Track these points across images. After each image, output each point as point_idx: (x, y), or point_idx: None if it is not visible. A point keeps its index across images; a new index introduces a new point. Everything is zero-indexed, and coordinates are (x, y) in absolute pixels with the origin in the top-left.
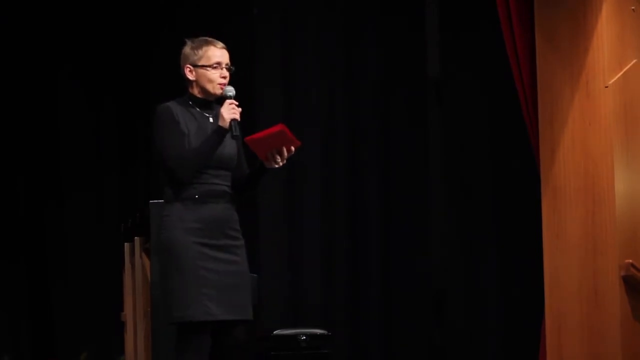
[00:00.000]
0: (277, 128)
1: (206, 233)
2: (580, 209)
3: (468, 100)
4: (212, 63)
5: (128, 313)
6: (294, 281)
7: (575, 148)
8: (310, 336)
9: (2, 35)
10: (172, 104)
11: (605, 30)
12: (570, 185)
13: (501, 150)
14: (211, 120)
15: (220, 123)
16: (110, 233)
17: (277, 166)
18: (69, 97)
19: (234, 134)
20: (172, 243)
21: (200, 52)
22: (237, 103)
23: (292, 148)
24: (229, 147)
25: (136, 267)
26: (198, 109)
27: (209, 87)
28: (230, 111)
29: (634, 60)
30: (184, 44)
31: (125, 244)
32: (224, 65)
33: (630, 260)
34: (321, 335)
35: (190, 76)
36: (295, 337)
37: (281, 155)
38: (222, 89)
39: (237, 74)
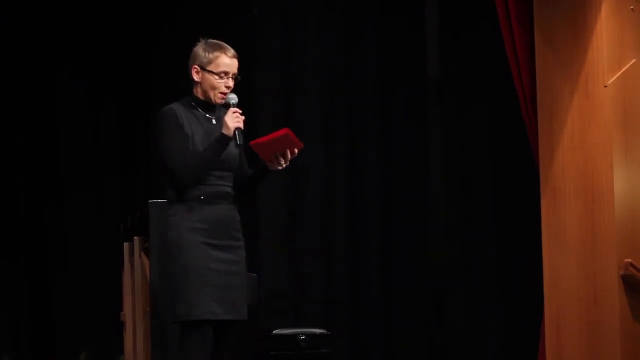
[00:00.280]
0: (282, 132)
1: (211, 233)
2: (580, 208)
3: (468, 100)
4: (219, 71)
5: (127, 313)
6: (294, 281)
7: (575, 148)
8: (310, 336)
9: (2, 35)
10: (175, 105)
11: (605, 30)
12: (570, 185)
13: (501, 150)
14: (214, 122)
15: (224, 131)
16: (110, 233)
17: (280, 168)
18: (69, 97)
19: (238, 143)
20: (178, 242)
21: (211, 56)
22: (240, 111)
23: (296, 150)
24: (232, 148)
25: (135, 267)
26: (201, 111)
27: (211, 93)
28: (234, 120)
29: (633, 60)
30: (197, 41)
31: (125, 243)
32: (230, 75)
33: (629, 260)
34: (321, 335)
35: (196, 77)
36: (294, 336)
37: (285, 157)
38: (222, 98)
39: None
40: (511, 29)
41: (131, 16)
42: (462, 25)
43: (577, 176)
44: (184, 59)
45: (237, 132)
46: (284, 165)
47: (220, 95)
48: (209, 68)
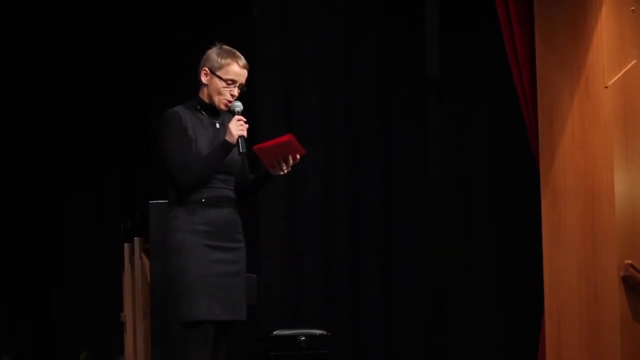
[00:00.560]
0: (286, 138)
1: (212, 236)
2: (580, 209)
3: (468, 100)
4: (227, 78)
5: (127, 313)
6: (293, 281)
7: (575, 148)
8: (310, 336)
9: (2, 35)
10: (180, 108)
11: (605, 31)
12: (570, 185)
13: (501, 150)
14: (217, 126)
15: (228, 138)
16: (110, 233)
17: (282, 174)
18: (69, 97)
19: (241, 150)
20: (179, 244)
21: (222, 62)
22: (245, 119)
23: (298, 156)
24: (235, 153)
25: (136, 268)
26: (205, 115)
27: (216, 98)
28: (238, 128)
29: (634, 61)
30: (213, 44)
31: (125, 244)
32: (237, 84)
33: (630, 261)
34: (320, 335)
35: (204, 79)
36: (295, 337)
37: (287, 163)
38: (227, 105)
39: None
40: (511, 29)
41: (131, 16)
42: (462, 25)
43: (577, 176)
44: (184, 59)
45: (240, 140)
46: (286, 171)
47: (224, 101)
48: (218, 73)
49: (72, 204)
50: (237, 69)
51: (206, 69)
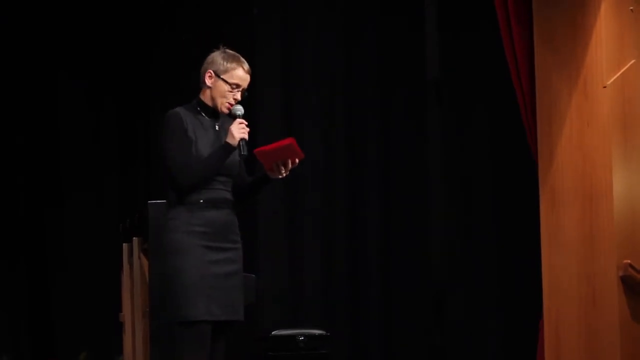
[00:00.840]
0: (287, 141)
1: (210, 236)
2: (579, 209)
3: (468, 100)
4: (232, 82)
5: (127, 313)
6: (293, 281)
7: (574, 148)
8: (309, 337)
9: (2, 35)
10: (181, 110)
11: (604, 31)
12: (569, 185)
13: (501, 151)
14: (217, 128)
15: (229, 140)
16: (110, 233)
17: (280, 177)
18: (69, 97)
19: (242, 153)
20: (177, 245)
21: (228, 66)
22: (246, 123)
23: (297, 160)
24: (234, 155)
25: (135, 268)
26: (206, 117)
27: (218, 101)
28: (240, 130)
29: (633, 61)
30: (216, 48)
31: (124, 244)
32: (241, 89)
33: (629, 261)
34: (320, 335)
35: (208, 82)
36: (293, 337)
37: (285, 167)
38: (228, 108)
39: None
40: (510, 29)
41: (131, 16)
42: (462, 25)
43: (576, 176)
44: (184, 59)
45: (242, 143)
46: (284, 175)
47: (227, 104)
48: (223, 76)
49: (72, 204)
50: (241, 74)
51: (211, 71)
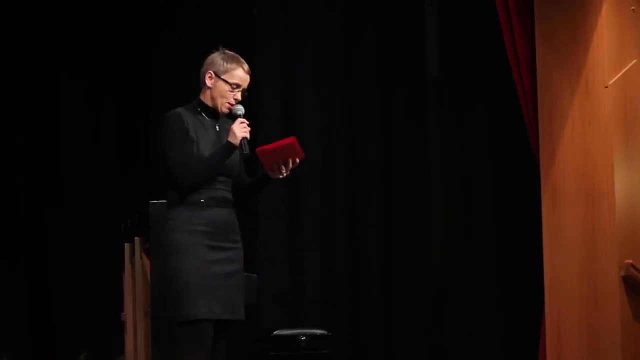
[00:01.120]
0: (288, 140)
1: (211, 236)
2: (580, 209)
3: (468, 100)
4: (233, 82)
5: (128, 313)
6: (293, 281)
7: (575, 148)
8: (310, 336)
9: (2, 35)
10: (181, 110)
11: (605, 31)
12: (570, 185)
13: (501, 151)
14: (217, 128)
15: (231, 139)
16: (110, 233)
17: (280, 177)
18: (69, 97)
19: (244, 152)
20: (178, 244)
21: (228, 66)
22: (248, 122)
23: (297, 160)
24: (235, 155)
25: (136, 267)
26: (206, 117)
27: (218, 101)
28: (241, 130)
29: (634, 61)
30: (215, 48)
31: (125, 244)
32: (241, 89)
33: (630, 261)
34: (321, 335)
35: (209, 82)
36: (295, 337)
37: (286, 166)
38: (228, 108)
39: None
40: (512, 29)
41: (131, 16)
42: (462, 25)
43: (577, 176)
44: (184, 59)
45: (243, 142)
46: (285, 175)
47: (227, 104)
48: (223, 77)
49: (72, 204)
50: (242, 74)
51: (211, 72)
